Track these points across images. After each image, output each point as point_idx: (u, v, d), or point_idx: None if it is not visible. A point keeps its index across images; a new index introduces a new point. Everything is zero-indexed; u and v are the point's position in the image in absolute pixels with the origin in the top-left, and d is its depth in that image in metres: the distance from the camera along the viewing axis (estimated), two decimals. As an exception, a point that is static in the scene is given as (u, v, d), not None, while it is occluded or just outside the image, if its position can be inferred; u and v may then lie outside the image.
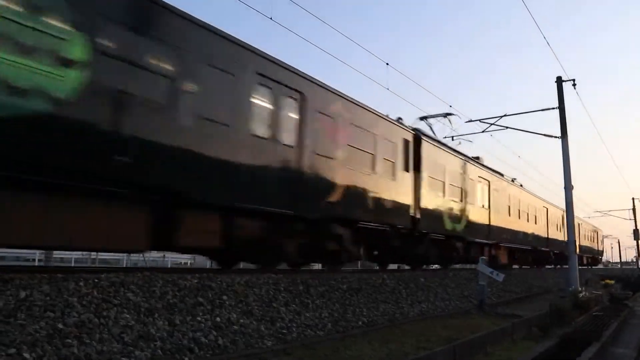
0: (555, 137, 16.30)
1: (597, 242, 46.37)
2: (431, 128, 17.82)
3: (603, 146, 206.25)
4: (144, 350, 4.54)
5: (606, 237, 65.12)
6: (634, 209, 44.21)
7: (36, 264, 17.74)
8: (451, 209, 15.71)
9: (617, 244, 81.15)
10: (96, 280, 5.32)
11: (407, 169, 13.23)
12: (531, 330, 9.01)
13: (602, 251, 51.70)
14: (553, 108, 16.52)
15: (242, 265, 12.16)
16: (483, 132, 18.67)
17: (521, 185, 24.75)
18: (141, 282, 5.72)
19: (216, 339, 5.28)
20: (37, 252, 19.14)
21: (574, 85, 16.54)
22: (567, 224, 15.89)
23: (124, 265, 20.27)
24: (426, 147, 14.40)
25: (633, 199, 44.71)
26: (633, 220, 44.13)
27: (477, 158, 19.21)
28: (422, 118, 17.84)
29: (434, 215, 14.55)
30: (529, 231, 24.55)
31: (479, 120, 18.77)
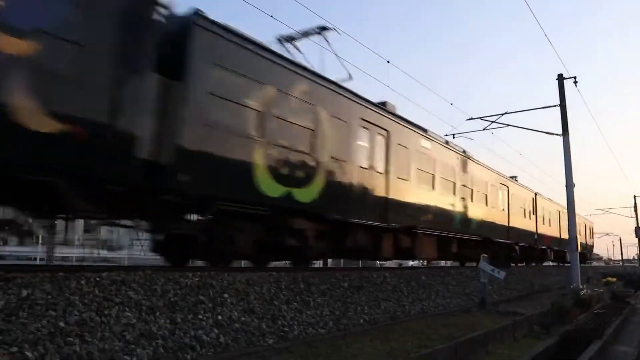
0: (557, 134, 16.27)
1: (587, 236, 44.97)
2: (297, 49, 11.32)
3: (605, 144, 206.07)
4: (146, 349, 4.55)
5: (608, 234, 64.99)
6: (635, 207, 44.14)
7: (38, 262, 17.77)
8: (284, 162, 8.95)
9: (619, 242, 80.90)
10: (98, 279, 5.32)
11: (136, 70, 6.54)
12: (533, 328, 9.01)
13: (592, 246, 50.20)
14: (554, 105, 16.49)
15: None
16: (484, 129, 18.58)
17: (464, 152, 17.49)
18: (142, 280, 5.73)
19: (218, 337, 5.29)
20: (39, 251, 19.20)
21: (575, 82, 16.51)
22: (569, 222, 15.86)
23: (125, 264, 20.30)
24: (206, 41, 7.56)
25: (635, 196, 44.61)
26: (635, 218, 44.03)
27: (384, 104, 13.01)
28: (287, 39, 11.31)
29: (224, 165, 7.88)
30: (477, 216, 17.94)
31: (480, 117, 18.63)
